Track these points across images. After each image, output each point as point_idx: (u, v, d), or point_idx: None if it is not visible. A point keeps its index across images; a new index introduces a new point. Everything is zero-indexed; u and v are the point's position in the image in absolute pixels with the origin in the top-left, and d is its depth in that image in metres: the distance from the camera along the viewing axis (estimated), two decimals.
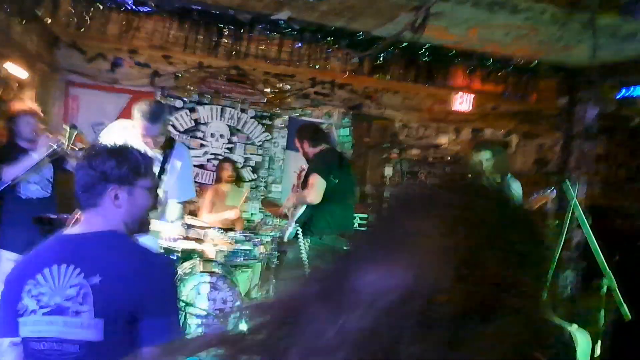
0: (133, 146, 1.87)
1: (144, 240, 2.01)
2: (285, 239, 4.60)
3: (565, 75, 5.22)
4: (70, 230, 1.83)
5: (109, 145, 1.82)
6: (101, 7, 4.44)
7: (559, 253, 4.49)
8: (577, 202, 4.37)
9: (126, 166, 1.76)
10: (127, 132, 3.37)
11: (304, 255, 4.28)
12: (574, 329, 3.96)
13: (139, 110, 3.38)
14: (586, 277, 4.86)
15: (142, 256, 1.76)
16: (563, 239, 4.48)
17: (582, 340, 3.93)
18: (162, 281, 1.72)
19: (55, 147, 3.76)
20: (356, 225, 6.10)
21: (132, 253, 1.75)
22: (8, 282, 1.75)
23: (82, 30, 4.59)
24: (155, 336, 1.64)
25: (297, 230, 4.34)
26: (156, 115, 3.35)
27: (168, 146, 3.53)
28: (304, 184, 4.39)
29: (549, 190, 3.95)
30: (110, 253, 1.71)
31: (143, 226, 1.90)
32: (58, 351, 1.63)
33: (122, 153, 1.79)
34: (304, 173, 4.66)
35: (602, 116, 4.95)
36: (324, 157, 4.42)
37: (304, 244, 4.30)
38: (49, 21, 4.55)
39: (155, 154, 3.51)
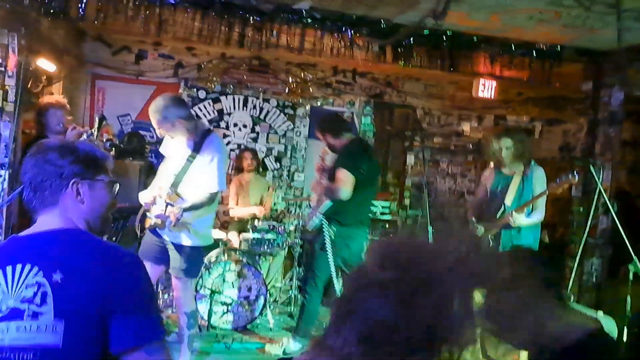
0: (82, 142, 1.80)
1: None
2: (310, 229, 4.60)
3: (590, 60, 5.14)
4: (26, 231, 1.64)
5: (60, 142, 1.70)
6: (126, 1, 4.50)
7: (584, 239, 4.47)
8: (602, 189, 4.35)
9: (84, 161, 1.66)
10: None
11: (328, 245, 4.27)
12: (600, 315, 3.95)
13: (152, 104, 3.49)
14: (612, 263, 4.82)
15: (107, 252, 1.58)
16: (589, 225, 4.45)
17: (608, 327, 3.92)
18: (130, 277, 1.55)
19: (85, 137, 3.85)
20: (378, 213, 6.13)
21: (96, 249, 1.58)
22: None
23: (107, 24, 4.66)
24: (129, 336, 1.49)
25: (322, 220, 4.33)
26: (162, 113, 3.44)
27: (202, 136, 3.57)
28: (331, 176, 4.33)
29: (571, 175, 3.91)
30: (72, 250, 1.55)
31: (105, 224, 1.76)
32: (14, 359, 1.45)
33: (77, 148, 1.68)
34: (326, 163, 4.66)
35: (628, 100, 4.87)
36: (351, 151, 4.34)
37: (328, 233, 4.28)
38: (76, 15, 4.64)
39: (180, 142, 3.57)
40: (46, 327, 1.44)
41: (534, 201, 4.00)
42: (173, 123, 3.46)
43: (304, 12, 4.67)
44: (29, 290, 1.46)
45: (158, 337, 1.54)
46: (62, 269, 1.47)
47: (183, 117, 3.49)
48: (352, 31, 4.82)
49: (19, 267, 1.49)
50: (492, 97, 6.14)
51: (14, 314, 1.45)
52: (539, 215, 4.13)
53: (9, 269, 1.50)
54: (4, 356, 1.44)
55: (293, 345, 4.39)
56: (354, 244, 4.32)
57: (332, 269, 4.25)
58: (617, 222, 4.06)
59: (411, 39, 4.90)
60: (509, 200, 4.19)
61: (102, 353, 1.48)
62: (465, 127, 7.17)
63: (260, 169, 6.30)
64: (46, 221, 1.62)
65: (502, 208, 4.20)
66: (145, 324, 1.52)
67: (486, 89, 6.09)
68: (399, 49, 5.08)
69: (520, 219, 3.99)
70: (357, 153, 4.34)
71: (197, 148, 3.53)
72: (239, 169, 5.95)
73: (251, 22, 4.72)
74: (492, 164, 4.53)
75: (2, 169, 3.91)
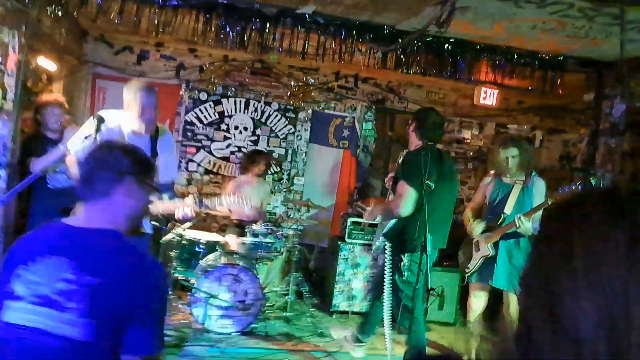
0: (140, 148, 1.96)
1: None
2: (372, 252, 4.33)
3: (592, 70, 5.14)
4: (72, 221, 1.77)
5: (123, 143, 1.93)
6: (128, 1, 4.50)
7: None
8: None
9: (141, 164, 1.86)
10: (121, 120, 3.39)
11: (388, 271, 3.87)
12: None
13: (136, 91, 3.34)
14: None
15: (137, 261, 1.71)
16: None
17: None
18: (155, 290, 1.69)
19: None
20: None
21: (128, 256, 1.71)
22: (6, 260, 1.73)
23: (109, 23, 4.66)
24: (139, 345, 1.63)
25: (385, 244, 3.92)
26: (152, 98, 3.37)
27: (156, 132, 3.55)
28: (393, 188, 3.92)
29: (574, 186, 3.90)
30: (110, 254, 1.68)
31: (140, 224, 1.95)
32: (37, 342, 1.58)
33: (137, 152, 1.88)
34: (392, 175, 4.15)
35: (629, 112, 4.86)
36: (416, 160, 3.72)
37: (390, 257, 3.89)
38: (77, 15, 4.63)
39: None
40: (72, 321, 1.57)
41: (539, 210, 3.98)
42: (155, 113, 3.45)
43: (307, 17, 4.66)
44: (63, 284, 1.59)
45: (158, 350, 1.67)
46: (99, 273, 1.61)
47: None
48: (355, 37, 4.81)
49: (56, 259, 1.63)
50: (494, 104, 6.15)
51: (46, 302, 1.59)
52: (538, 226, 4.11)
53: (47, 258, 1.63)
54: (30, 337, 1.58)
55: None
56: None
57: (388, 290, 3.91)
58: None
59: (414, 45, 4.89)
60: (508, 209, 4.19)
61: (115, 353, 1.62)
62: (466, 134, 7.15)
63: (265, 175, 6.30)
64: (93, 215, 1.75)
65: (502, 217, 4.19)
66: (152, 335, 1.65)
67: (488, 96, 6.10)
68: (401, 56, 5.07)
69: (528, 225, 3.96)
70: (423, 163, 3.68)
71: (155, 143, 3.51)
72: (245, 169, 5.89)
73: (254, 25, 4.71)
74: (492, 172, 4.52)
75: (1, 168, 3.89)
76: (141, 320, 1.62)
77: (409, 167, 3.76)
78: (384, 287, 3.91)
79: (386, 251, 3.88)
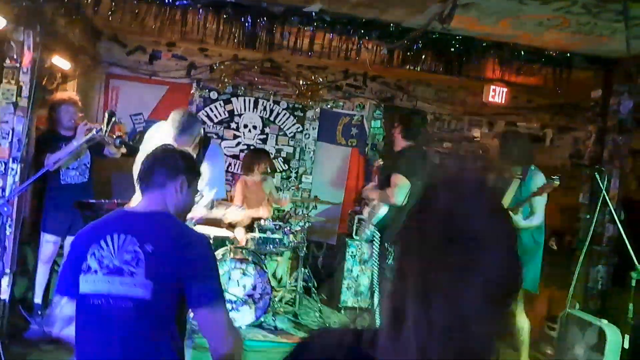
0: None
1: None
2: (362, 239, 4.44)
3: (599, 67, 5.13)
4: (131, 208, 2.22)
5: (181, 149, 2.35)
6: (141, 1, 4.59)
7: (586, 246, 4.46)
8: (607, 196, 4.35)
9: (193, 168, 2.26)
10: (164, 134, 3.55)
11: (374, 260, 4.08)
12: (604, 324, 3.94)
13: (171, 119, 3.56)
14: (618, 272, 4.79)
15: (186, 232, 2.08)
16: (592, 231, 4.45)
17: (611, 335, 3.91)
18: (202, 253, 2.01)
19: (94, 133, 3.93)
20: None
21: (178, 229, 2.06)
22: (74, 245, 2.07)
23: (122, 24, 4.76)
24: (201, 297, 1.92)
25: (374, 234, 4.11)
26: (185, 128, 3.54)
27: (202, 146, 3.67)
28: (386, 182, 4.15)
29: (554, 179, 3.95)
30: (161, 228, 2.02)
31: (184, 218, 2.30)
32: (113, 305, 1.90)
33: (192, 159, 2.34)
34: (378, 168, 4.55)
35: (637, 108, 4.85)
36: (408, 158, 4.14)
37: (377, 247, 4.04)
38: (92, 15, 4.73)
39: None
40: (139, 284, 1.89)
41: (523, 205, 4.02)
42: (195, 138, 3.60)
43: (314, 15, 4.71)
44: (128, 255, 1.92)
45: (218, 299, 1.96)
46: (153, 242, 1.94)
47: (200, 133, 3.65)
48: (362, 34, 4.86)
49: (122, 236, 1.96)
50: (503, 102, 6.15)
51: (118, 271, 1.91)
52: (537, 219, 4.14)
53: (115, 236, 1.97)
54: (108, 302, 1.91)
55: None
56: None
57: (375, 281, 4.08)
58: (621, 229, 4.06)
59: (420, 43, 4.92)
60: (504, 203, 4.20)
61: (180, 307, 1.95)
62: (476, 132, 7.17)
63: (271, 172, 6.36)
64: (149, 202, 2.11)
65: None
66: (209, 288, 1.94)
67: (497, 94, 6.10)
68: (408, 53, 5.11)
69: (515, 218, 3.99)
70: (414, 160, 4.11)
71: (199, 159, 3.64)
72: (249, 169, 5.96)
73: (263, 24, 4.78)
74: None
75: (15, 162, 4.00)
76: (197, 277, 1.92)
77: (402, 162, 4.10)
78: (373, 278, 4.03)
79: (374, 241, 4.08)
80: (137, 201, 2.23)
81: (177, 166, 2.14)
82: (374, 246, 4.10)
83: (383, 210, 4.09)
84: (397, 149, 4.30)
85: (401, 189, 3.94)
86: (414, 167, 4.04)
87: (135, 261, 1.92)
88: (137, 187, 2.19)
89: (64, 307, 2.02)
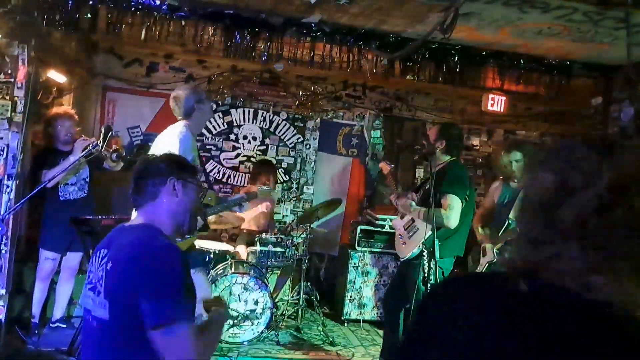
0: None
1: None
2: (405, 258, 4.14)
3: (600, 75, 5.11)
4: (127, 222, 2.11)
5: (157, 154, 2.19)
6: (137, 14, 4.55)
7: None
8: None
9: (181, 164, 2.12)
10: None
11: (420, 277, 3.89)
12: None
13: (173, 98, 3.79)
14: None
15: (148, 246, 1.87)
16: None
17: None
18: (158, 268, 1.80)
19: (91, 148, 3.87)
20: (387, 227, 6.06)
21: (142, 243, 1.89)
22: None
23: (118, 37, 4.71)
24: (153, 317, 1.74)
25: (423, 250, 3.95)
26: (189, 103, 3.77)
27: None
28: (426, 200, 3.91)
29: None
30: (126, 243, 1.89)
31: (193, 222, 2.17)
32: (89, 323, 1.89)
33: (171, 155, 2.21)
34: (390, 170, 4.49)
35: (638, 116, 4.82)
36: (458, 174, 3.97)
37: (427, 265, 3.87)
38: (87, 28, 4.69)
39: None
40: (100, 303, 1.84)
41: None
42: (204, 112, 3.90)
43: (314, 26, 4.69)
44: (100, 272, 1.87)
45: (174, 320, 1.73)
46: (112, 259, 1.86)
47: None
48: (361, 45, 4.83)
49: (103, 251, 1.92)
50: (502, 111, 6.12)
51: (94, 287, 1.89)
52: None
53: (99, 252, 1.93)
54: (87, 318, 1.91)
55: None
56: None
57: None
58: None
59: (421, 53, 4.89)
60: (513, 214, 4.16)
61: (139, 328, 1.75)
62: (475, 141, 7.13)
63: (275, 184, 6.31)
64: (140, 216, 2.03)
65: (507, 222, 4.17)
66: (162, 308, 1.74)
67: (496, 103, 6.08)
68: (407, 63, 5.08)
69: None
70: (464, 177, 3.99)
71: None
72: (254, 179, 5.89)
73: (261, 35, 4.75)
74: (500, 176, 4.51)
75: (10, 179, 3.94)
76: (148, 295, 1.75)
77: (453, 180, 3.89)
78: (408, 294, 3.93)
79: (424, 258, 3.88)
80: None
81: (161, 170, 2.03)
82: (423, 262, 3.89)
83: (428, 231, 3.89)
84: (438, 163, 4.05)
85: (456, 212, 3.81)
86: (463, 184, 3.90)
87: (103, 279, 1.86)
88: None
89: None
